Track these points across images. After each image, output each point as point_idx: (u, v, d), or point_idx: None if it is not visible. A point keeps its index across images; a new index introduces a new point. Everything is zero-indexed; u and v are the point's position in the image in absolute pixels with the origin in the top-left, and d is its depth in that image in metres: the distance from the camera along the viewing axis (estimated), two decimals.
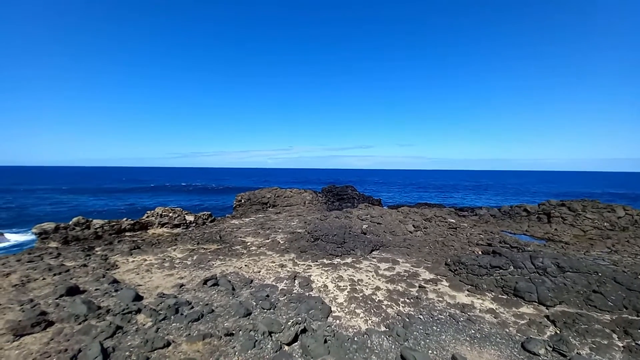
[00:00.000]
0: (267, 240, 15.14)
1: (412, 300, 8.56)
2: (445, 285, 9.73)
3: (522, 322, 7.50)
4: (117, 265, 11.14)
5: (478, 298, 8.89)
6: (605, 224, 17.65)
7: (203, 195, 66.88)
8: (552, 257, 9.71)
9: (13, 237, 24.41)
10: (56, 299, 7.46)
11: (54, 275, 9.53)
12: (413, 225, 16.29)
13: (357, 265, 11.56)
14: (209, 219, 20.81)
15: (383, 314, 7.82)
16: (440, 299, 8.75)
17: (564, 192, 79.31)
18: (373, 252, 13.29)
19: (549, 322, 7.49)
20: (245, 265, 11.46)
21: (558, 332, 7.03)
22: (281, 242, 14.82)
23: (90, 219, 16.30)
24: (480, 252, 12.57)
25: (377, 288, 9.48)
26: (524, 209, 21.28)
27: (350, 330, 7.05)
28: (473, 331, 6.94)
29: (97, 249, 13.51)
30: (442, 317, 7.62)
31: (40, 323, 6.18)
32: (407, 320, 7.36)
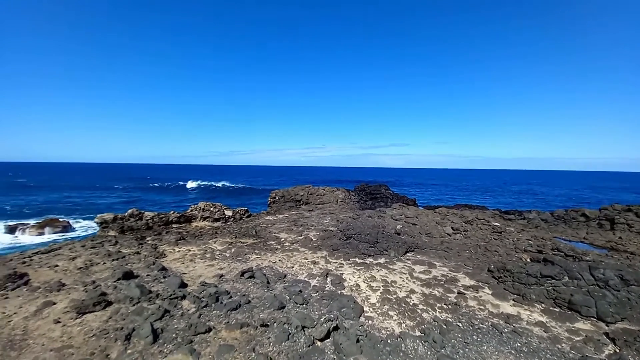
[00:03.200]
0: (300, 237, 15.42)
1: (450, 307, 8.15)
2: (488, 293, 9.11)
3: (577, 338, 6.75)
4: (165, 254, 12.14)
5: (525, 309, 8.19)
6: None
7: (240, 191, 70.13)
8: (615, 268, 8.60)
9: (78, 225, 27.80)
10: (114, 281, 8.34)
11: (113, 260, 10.67)
12: (452, 228, 15.47)
13: (391, 266, 11.30)
14: (246, 215, 21.75)
15: (418, 318, 7.55)
16: (482, 307, 8.21)
17: (628, 197, 68.92)
18: (407, 254, 12.88)
19: (608, 339, 6.66)
20: (279, 260, 11.80)
21: (618, 350, 6.23)
22: (314, 239, 15.00)
23: (143, 211, 17.95)
24: (528, 260, 11.55)
25: (412, 291, 9.18)
26: (581, 213, 19.08)
27: (383, 331, 6.92)
28: (519, 344, 6.41)
29: (148, 238, 14.85)
30: (484, 326, 7.14)
31: (100, 303, 6.94)
32: (445, 326, 7.02)
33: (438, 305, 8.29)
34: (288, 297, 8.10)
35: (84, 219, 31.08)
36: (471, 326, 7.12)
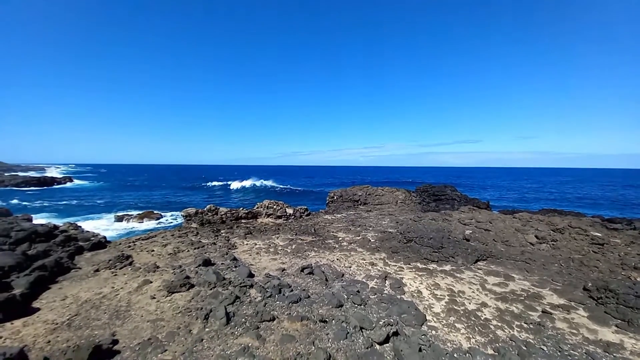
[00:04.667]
0: (358, 237, 15.31)
1: (532, 326, 7.08)
2: (582, 316, 7.63)
3: None
4: (235, 246, 13.43)
5: (631, 337, 6.61)
6: None
7: (300, 191, 73.04)
8: None
9: (169, 217, 32.62)
10: (196, 267, 9.57)
11: (195, 249, 12.26)
12: (536, 236, 13.40)
13: (458, 275, 10.37)
14: (305, 213, 22.57)
15: (491, 335, 6.76)
16: (574, 331, 6.92)
17: None
18: (478, 263, 11.64)
19: None
20: (337, 259, 11.92)
21: None
22: (372, 240, 14.73)
23: (218, 207, 20.17)
24: (639, 279, 9.30)
25: (484, 304, 8.26)
26: None
27: (448, 344, 6.40)
28: None
29: (222, 231, 16.62)
30: (576, 353, 6.01)
31: (185, 285, 8.01)
32: (525, 348, 6.14)
33: (517, 323, 7.28)
34: (346, 296, 8.13)
35: (173, 212, 36.52)
36: (559, 351, 6.06)
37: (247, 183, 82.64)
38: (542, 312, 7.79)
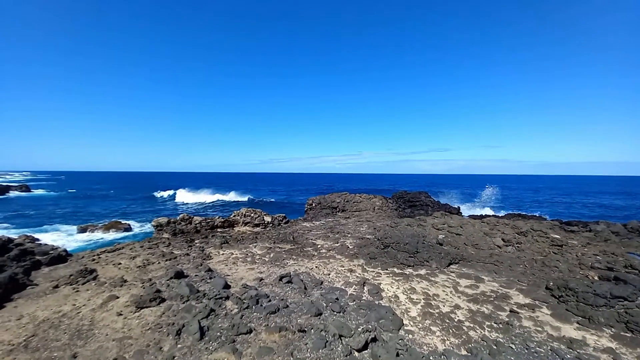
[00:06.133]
0: (337, 244, 15.37)
1: (501, 326, 7.44)
2: (546, 314, 8.15)
3: None
4: (210, 256, 12.95)
5: (592, 333, 7.16)
6: None
7: (277, 197, 72.26)
8: None
9: (137, 228, 30.88)
10: (167, 280, 9.10)
11: (166, 260, 11.67)
12: (502, 239, 14.22)
13: (432, 279, 10.71)
14: (284, 221, 22.33)
15: (464, 336, 7.02)
16: (539, 328, 7.37)
17: None
18: (451, 266, 12.10)
19: None
20: (316, 267, 11.87)
21: None
22: (350, 246, 14.85)
23: (192, 216, 19.42)
24: (596, 278, 10.13)
25: (457, 306, 8.57)
26: None
27: (424, 347, 6.56)
28: None
29: (196, 241, 15.99)
30: (542, 350, 6.39)
31: (155, 299, 7.60)
32: (495, 347, 6.44)
33: (487, 323, 7.63)
34: (325, 304, 8.10)
35: (142, 222, 34.58)
36: (526, 349, 6.42)
37: (210, 198, 67.90)
38: (510, 311, 8.22)
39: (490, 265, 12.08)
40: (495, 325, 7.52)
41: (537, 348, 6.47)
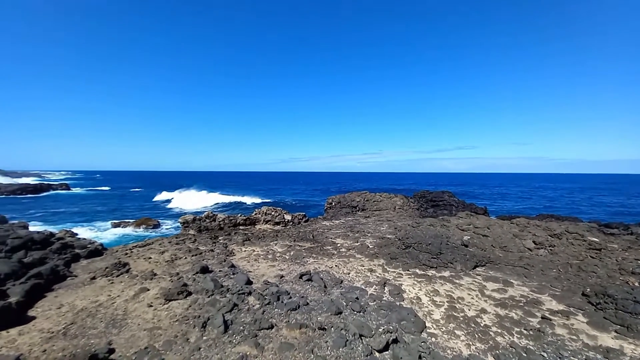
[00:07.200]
0: (356, 244, 15.27)
1: (531, 333, 7.06)
2: (582, 321, 7.63)
3: None
4: (233, 253, 13.34)
5: (630, 342, 6.61)
6: None
7: (297, 196, 72.92)
8: None
9: (166, 224, 32.40)
10: (193, 274, 9.48)
11: (192, 255, 12.17)
12: (534, 242, 13.46)
13: (457, 281, 10.35)
14: (304, 219, 22.52)
15: (491, 342, 6.74)
16: (574, 337, 6.91)
17: None
18: (477, 269, 11.64)
19: None
20: (336, 266, 11.87)
21: None
22: (370, 246, 14.70)
23: (216, 213, 20.09)
24: (637, 284, 9.34)
25: (483, 310, 8.24)
26: None
27: (448, 351, 6.37)
28: None
29: (220, 238, 16.52)
30: None
31: (182, 292, 7.94)
32: (525, 354, 6.12)
33: (516, 329, 7.26)
34: (345, 303, 8.08)
35: (169, 217, 36.27)
36: (559, 358, 6.05)
37: (229, 199, 64.15)
38: (542, 318, 7.78)
39: (520, 268, 11.48)
40: (525, 331, 7.15)
41: (571, 357, 6.07)
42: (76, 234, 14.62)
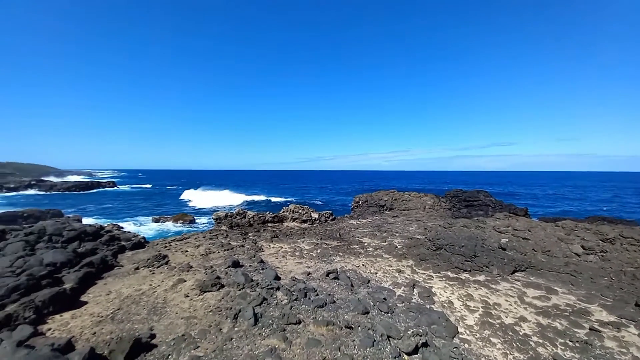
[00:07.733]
0: (384, 243, 15.01)
1: (577, 345, 6.49)
2: (634, 334, 6.86)
3: None
4: (262, 249, 13.75)
5: None
6: None
7: (324, 194, 73.13)
8: None
9: (202, 219, 34.15)
10: (226, 268, 9.93)
11: (225, 250, 12.73)
12: (582, 247, 12.30)
13: (493, 286, 9.78)
14: (330, 217, 22.56)
15: (531, 352, 6.29)
16: (624, 349, 6.24)
17: None
18: (516, 274, 10.91)
19: None
20: (363, 265, 11.76)
21: None
22: (398, 246, 14.36)
23: (246, 210, 20.82)
24: None
25: (522, 318, 7.71)
26: None
27: (483, 359, 6.06)
28: None
29: (249, 234, 17.11)
30: None
31: (216, 285, 8.33)
32: None
33: (560, 340, 6.71)
34: (372, 303, 8.00)
35: (203, 214, 38.26)
36: None
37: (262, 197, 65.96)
38: (590, 329, 7.11)
39: (566, 275, 10.56)
40: (570, 343, 6.58)
41: None
42: (122, 228, 15.96)
